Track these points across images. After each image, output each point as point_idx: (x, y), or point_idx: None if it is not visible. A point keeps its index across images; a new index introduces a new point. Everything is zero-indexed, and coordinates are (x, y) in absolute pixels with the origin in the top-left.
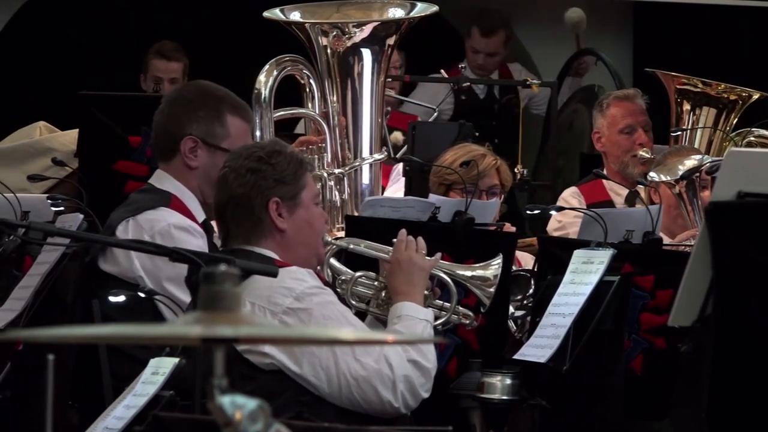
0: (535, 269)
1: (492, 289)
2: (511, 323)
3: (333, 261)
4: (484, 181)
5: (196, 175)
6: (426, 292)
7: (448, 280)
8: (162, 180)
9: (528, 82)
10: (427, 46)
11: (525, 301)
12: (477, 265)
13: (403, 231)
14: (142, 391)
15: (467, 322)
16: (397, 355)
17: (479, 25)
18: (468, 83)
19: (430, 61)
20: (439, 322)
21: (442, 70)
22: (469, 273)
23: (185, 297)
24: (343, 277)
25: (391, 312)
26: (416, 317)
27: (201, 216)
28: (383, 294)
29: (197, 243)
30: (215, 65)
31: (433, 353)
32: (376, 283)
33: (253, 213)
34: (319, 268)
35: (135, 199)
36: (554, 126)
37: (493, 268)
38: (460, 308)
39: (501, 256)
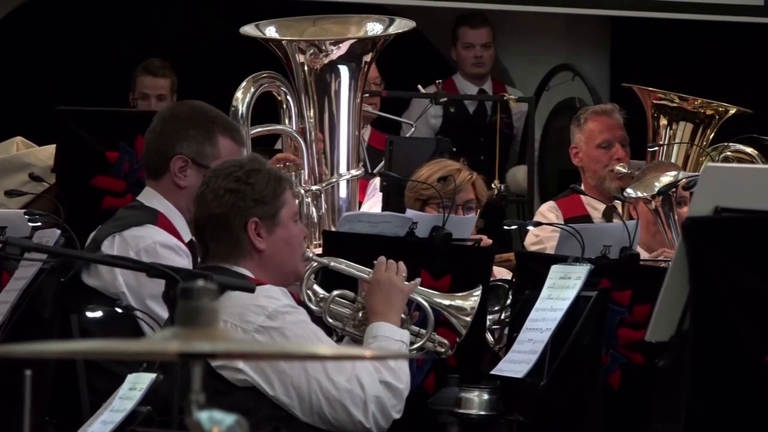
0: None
1: (468, 319)
2: (489, 335)
3: (315, 286)
4: (460, 195)
5: (185, 194)
6: (403, 316)
7: (426, 305)
8: (150, 197)
9: (505, 98)
10: (405, 62)
11: (503, 312)
12: (456, 294)
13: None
14: (120, 407)
15: (442, 350)
16: (368, 375)
17: (466, 23)
18: (445, 98)
19: (410, 77)
20: (414, 347)
21: (420, 86)
22: (446, 302)
23: (167, 314)
24: (321, 296)
25: (368, 332)
26: (392, 337)
27: (187, 235)
28: (360, 314)
29: (182, 262)
30: (194, 82)
31: (406, 374)
32: (353, 303)
33: (231, 233)
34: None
35: (122, 215)
36: (531, 141)
37: (472, 300)
38: (436, 335)
39: (481, 287)
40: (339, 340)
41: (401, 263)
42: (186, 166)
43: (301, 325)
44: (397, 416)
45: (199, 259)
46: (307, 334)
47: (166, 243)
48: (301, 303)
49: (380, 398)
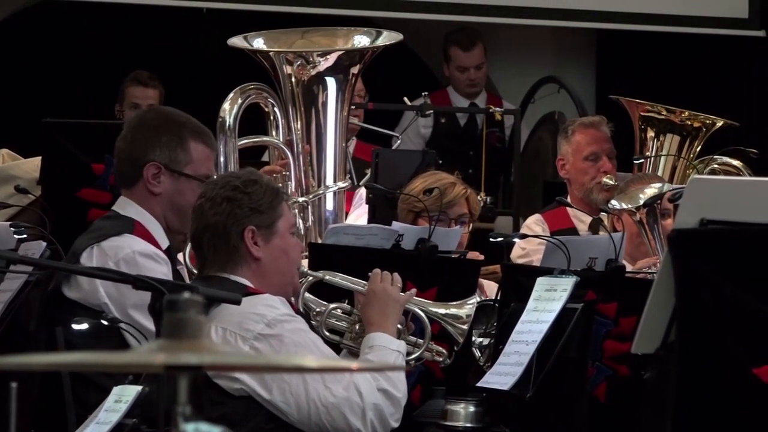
0: (499, 296)
1: (465, 327)
2: (476, 351)
3: (307, 294)
4: (454, 209)
5: (160, 201)
6: (399, 326)
7: (423, 315)
8: (125, 206)
9: (491, 110)
10: (393, 76)
11: (490, 330)
12: (451, 303)
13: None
14: (105, 419)
15: (440, 359)
16: (367, 383)
17: (458, 43)
18: (431, 111)
19: (397, 90)
20: (411, 357)
21: (405, 98)
22: (442, 311)
23: (150, 324)
24: (318, 310)
25: (364, 342)
26: (388, 347)
27: (165, 243)
28: (357, 327)
29: (161, 270)
30: (182, 94)
31: (403, 383)
32: (350, 316)
33: (228, 241)
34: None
35: (99, 225)
36: (517, 153)
37: (468, 307)
38: (434, 345)
39: (476, 295)
40: (335, 351)
41: (396, 274)
42: (159, 172)
43: (300, 334)
44: (395, 425)
45: (177, 267)
46: (306, 342)
47: (144, 252)
48: (298, 312)
49: (378, 406)
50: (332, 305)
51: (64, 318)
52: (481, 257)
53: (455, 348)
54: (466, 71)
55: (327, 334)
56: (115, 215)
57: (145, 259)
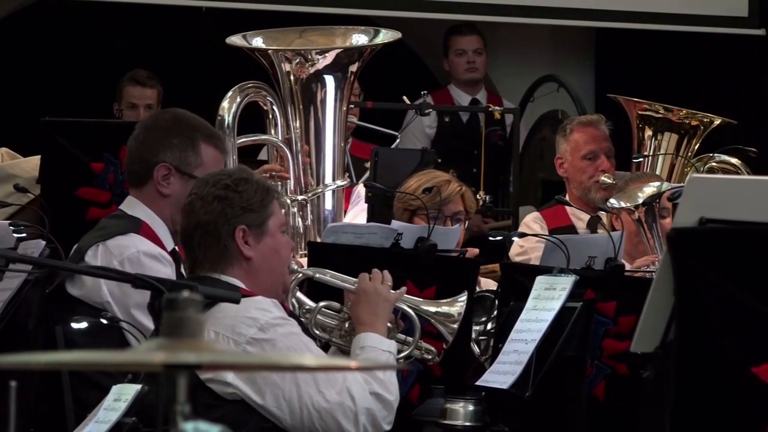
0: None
1: (455, 326)
2: (474, 346)
3: (298, 293)
4: (449, 207)
5: (168, 202)
6: (389, 324)
7: (413, 313)
8: (133, 206)
9: (490, 109)
10: (391, 75)
11: (490, 323)
12: (442, 301)
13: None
14: (104, 418)
15: (429, 357)
16: (359, 387)
17: (457, 31)
18: (430, 110)
19: (396, 89)
20: (401, 355)
21: (405, 98)
22: (433, 309)
23: (152, 324)
24: (307, 307)
25: (354, 342)
26: (379, 348)
27: (170, 244)
28: (347, 325)
29: (166, 271)
30: (180, 92)
31: (395, 386)
32: (339, 313)
33: (219, 240)
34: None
35: (105, 224)
36: (516, 152)
37: (458, 305)
38: (423, 343)
39: (467, 293)
40: (324, 350)
41: (386, 272)
42: (169, 174)
43: (293, 338)
44: (388, 428)
45: (182, 269)
46: (299, 346)
47: (149, 252)
48: (291, 314)
49: (371, 410)
50: (322, 303)
51: (65, 315)
52: (476, 251)
53: (444, 347)
54: (464, 54)
55: (317, 332)
56: (122, 215)
57: (149, 260)
